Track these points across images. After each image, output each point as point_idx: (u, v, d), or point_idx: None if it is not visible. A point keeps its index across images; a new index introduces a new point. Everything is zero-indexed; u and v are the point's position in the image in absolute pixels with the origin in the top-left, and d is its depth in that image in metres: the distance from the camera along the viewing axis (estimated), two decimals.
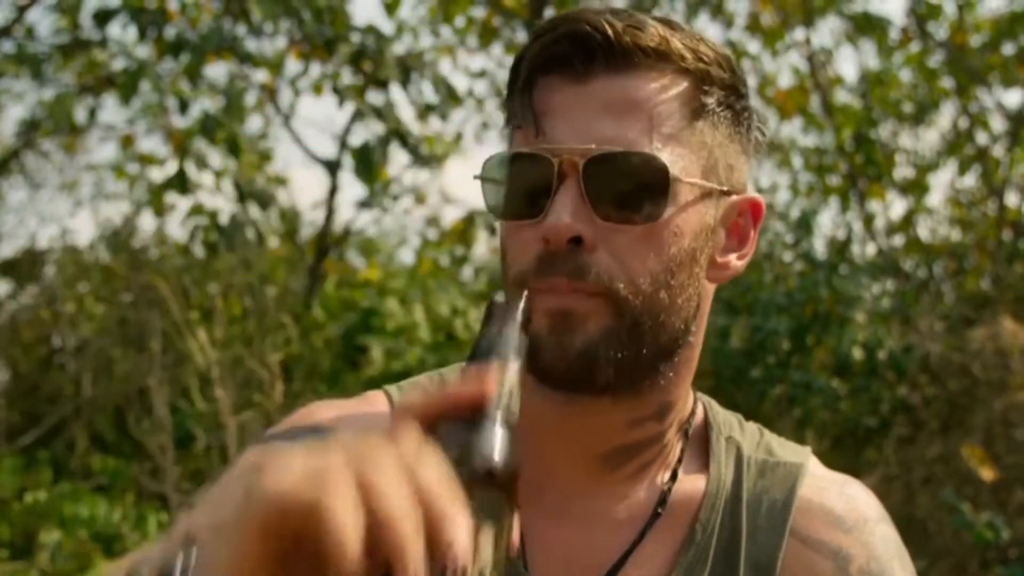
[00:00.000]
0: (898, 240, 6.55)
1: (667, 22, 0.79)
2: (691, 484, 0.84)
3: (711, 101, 0.79)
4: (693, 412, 0.87)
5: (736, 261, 0.83)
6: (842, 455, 5.07)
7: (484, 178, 0.79)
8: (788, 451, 0.88)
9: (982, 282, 6.02)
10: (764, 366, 5.06)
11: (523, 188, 0.77)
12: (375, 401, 0.86)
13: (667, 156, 0.76)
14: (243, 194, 5.05)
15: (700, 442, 0.87)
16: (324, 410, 0.84)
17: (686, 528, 0.82)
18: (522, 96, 0.78)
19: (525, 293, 0.66)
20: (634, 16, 0.78)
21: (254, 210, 5.56)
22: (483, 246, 8.41)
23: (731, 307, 5.24)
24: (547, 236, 0.74)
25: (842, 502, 0.85)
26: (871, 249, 6.41)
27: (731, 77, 0.81)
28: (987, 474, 4.14)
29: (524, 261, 0.76)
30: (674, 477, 0.84)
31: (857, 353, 4.97)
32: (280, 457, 0.47)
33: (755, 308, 5.08)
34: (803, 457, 0.88)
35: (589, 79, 0.77)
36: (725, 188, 0.81)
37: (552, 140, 0.76)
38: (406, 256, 9.19)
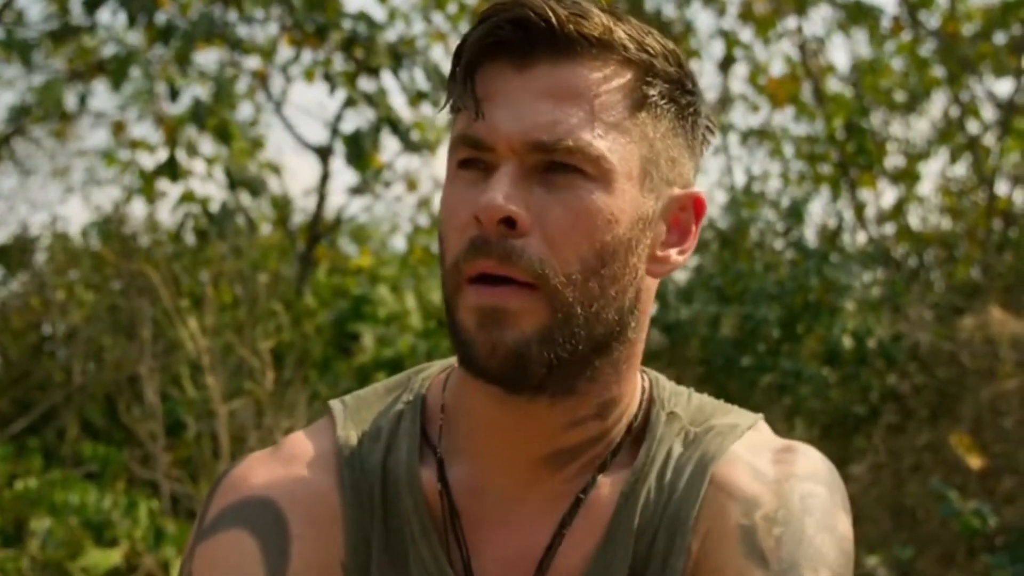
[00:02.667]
0: (889, 229, 6.57)
1: (613, 12, 0.79)
2: (624, 463, 0.84)
3: (654, 93, 0.79)
4: (640, 403, 0.86)
5: (677, 256, 0.83)
6: (832, 443, 5.10)
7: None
8: (732, 416, 0.87)
9: (972, 271, 6.04)
10: (754, 355, 5.09)
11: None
12: (321, 433, 0.86)
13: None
14: (234, 182, 5.05)
15: (642, 422, 0.86)
16: (261, 470, 0.84)
17: (614, 503, 0.82)
18: (464, 80, 0.78)
19: None
20: (579, 4, 0.78)
21: (245, 198, 5.55)
22: None
23: (721, 296, 5.26)
24: (479, 215, 0.75)
25: (771, 461, 0.84)
26: (862, 238, 6.44)
27: (677, 71, 0.81)
28: (975, 462, 4.17)
29: (458, 246, 0.77)
30: (602, 467, 0.83)
31: (847, 342, 4.99)
32: None
33: (745, 297, 5.10)
34: (746, 420, 0.86)
35: (530, 66, 0.77)
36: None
37: (491, 125, 0.76)
38: (399, 243, 9.19)
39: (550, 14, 0.76)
